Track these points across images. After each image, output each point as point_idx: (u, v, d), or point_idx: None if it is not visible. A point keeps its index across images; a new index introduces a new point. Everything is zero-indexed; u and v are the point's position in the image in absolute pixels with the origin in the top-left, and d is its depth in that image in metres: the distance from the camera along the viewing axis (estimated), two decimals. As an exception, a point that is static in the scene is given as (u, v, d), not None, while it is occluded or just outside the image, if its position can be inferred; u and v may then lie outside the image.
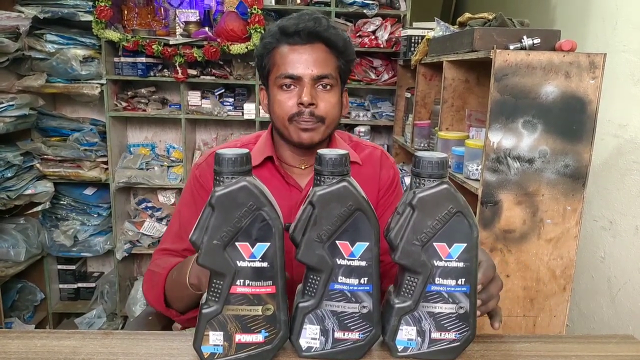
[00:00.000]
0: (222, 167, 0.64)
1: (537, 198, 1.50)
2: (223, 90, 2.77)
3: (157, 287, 0.94)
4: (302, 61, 0.97)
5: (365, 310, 0.69)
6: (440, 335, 0.70)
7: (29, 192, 2.45)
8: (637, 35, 1.74)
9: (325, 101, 0.99)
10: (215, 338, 0.67)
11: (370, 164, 1.11)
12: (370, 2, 2.68)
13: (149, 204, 2.89)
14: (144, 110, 2.71)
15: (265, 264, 0.66)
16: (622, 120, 1.80)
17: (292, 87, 0.98)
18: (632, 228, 1.76)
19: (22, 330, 0.83)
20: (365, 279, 0.68)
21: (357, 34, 2.76)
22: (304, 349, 0.70)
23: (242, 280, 0.66)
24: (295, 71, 0.97)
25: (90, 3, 2.41)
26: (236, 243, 0.65)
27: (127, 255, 2.77)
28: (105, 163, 2.69)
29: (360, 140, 1.16)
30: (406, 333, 0.70)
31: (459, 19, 1.87)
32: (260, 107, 2.26)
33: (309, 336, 0.70)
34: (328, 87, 0.99)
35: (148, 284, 0.99)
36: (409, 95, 2.53)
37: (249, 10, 2.50)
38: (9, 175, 2.34)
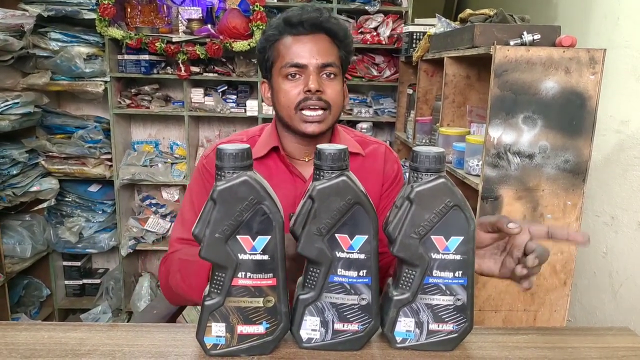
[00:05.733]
0: (223, 162, 0.65)
1: (537, 193, 1.51)
2: (226, 87, 2.79)
3: (199, 276, 0.87)
4: (307, 50, 1.00)
5: (364, 302, 0.70)
6: (438, 326, 0.71)
7: (34, 189, 2.47)
8: (639, 31, 1.74)
9: (331, 88, 1.02)
10: (217, 329, 0.69)
11: (375, 158, 1.13)
12: (372, -2, 2.68)
13: (153, 201, 2.92)
14: (148, 108, 2.73)
15: (266, 257, 0.67)
16: (624, 116, 1.80)
17: (298, 76, 1.01)
18: (634, 223, 1.76)
19: (29, 323, 0.84)
20: (364, 271, 0.69)
21: (359, 31, 2.77)
22: (304, 340, 0.71)
23: (243, 273, 0.67)
24: (301, 60, 1.00)
25: (94, 1, 2.43)
26: (237, 236, 0.66)
27: (131, 251, 2.79)
28: (110, 160, 2.71)
29: (365, 136, 1.19)
30: (404, 324, 0.71)
31: (460, 15, 1.87)
32: (263, 102, 2.30)
33: (309, 327, 0.71)
34: (332, 75, 1.02)
35: (182, 273, 0.92)
36: (410, 91, 2.54)
37: (251, 7, 2.52)
38: (15, 172, 2.36)
